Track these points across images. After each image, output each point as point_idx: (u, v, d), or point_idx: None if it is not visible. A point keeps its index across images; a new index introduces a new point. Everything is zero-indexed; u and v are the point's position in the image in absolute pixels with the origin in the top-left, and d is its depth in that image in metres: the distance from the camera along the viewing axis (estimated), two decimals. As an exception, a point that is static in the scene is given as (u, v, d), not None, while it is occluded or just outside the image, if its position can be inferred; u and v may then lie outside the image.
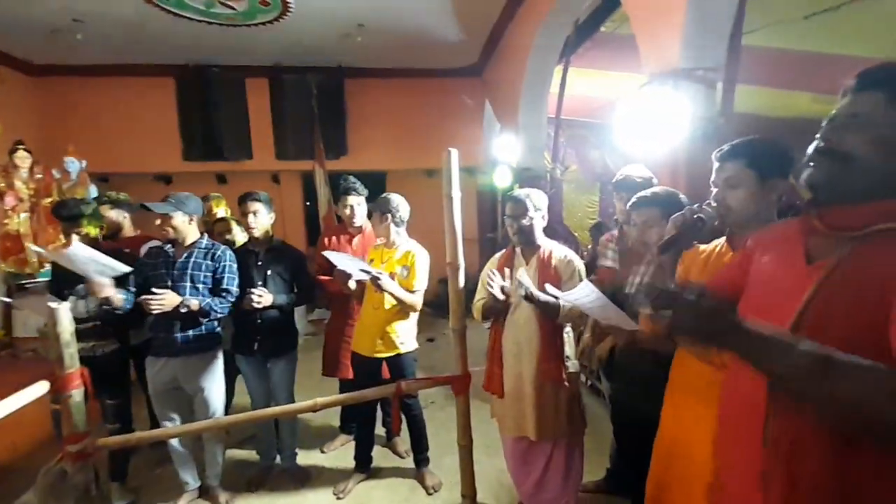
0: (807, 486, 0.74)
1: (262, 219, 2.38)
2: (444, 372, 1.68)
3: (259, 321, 2.32)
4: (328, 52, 5.15)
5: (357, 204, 2.66)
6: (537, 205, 1.93)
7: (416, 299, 2.29)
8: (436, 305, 5.13)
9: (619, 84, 4.29)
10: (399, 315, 2.32)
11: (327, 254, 2.18)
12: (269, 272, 2.36)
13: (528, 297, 1.80)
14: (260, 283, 2.30)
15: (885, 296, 0.68)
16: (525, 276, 1.85)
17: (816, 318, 0.74)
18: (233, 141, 5.58)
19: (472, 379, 1.75)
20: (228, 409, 2.63)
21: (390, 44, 4.93)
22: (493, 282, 1.86)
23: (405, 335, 2.36)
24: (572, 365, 1.93)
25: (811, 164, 0.81)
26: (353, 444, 2.60)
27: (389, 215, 2.31)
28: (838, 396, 0.65)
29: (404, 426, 2.55)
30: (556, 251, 1.95)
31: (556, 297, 1.69)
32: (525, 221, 1.91)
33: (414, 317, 2.40)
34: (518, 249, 2.01)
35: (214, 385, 2.24)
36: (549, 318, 1.83)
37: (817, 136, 0.82)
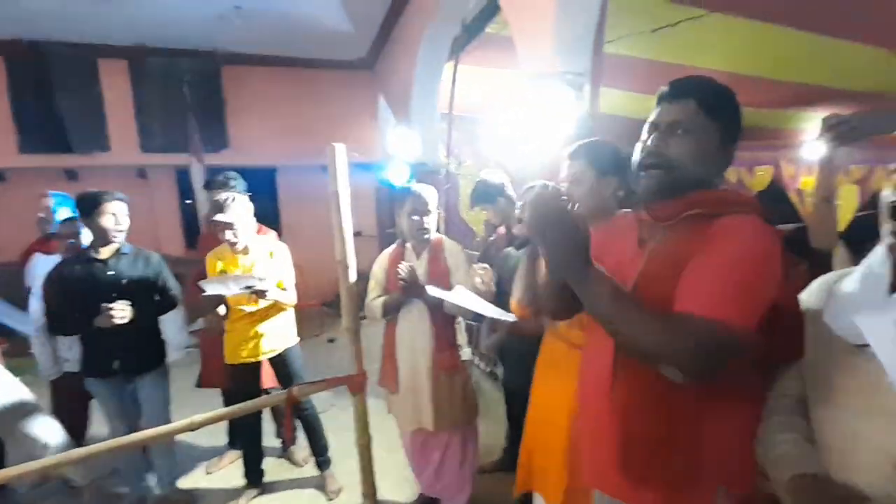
0: (638, 436, 0.89)
1: (126, 221, 2.09)
2: (346, 373, 1.63)
3: (117, 336, 1.98)
4: (202, 35, 4.68)
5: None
6: (434, 200, 1.96)
7: (293, 296, 2.25)
8: (336, 305, 4.97)
9: (505, 82, 4.50)
10: (275, 310, 2.23)
11: (204, 284, 1.97)
12: (123, 281, 2.06)
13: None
14: (115, 294, 1.99)
15: (685, 263, 0.84)
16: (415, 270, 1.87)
17: (643, 286, 0.90)
18: (83, 130, 4.80)
19: (367, 377, 1.72)
20: (82, 440, 2.28)
21: (273, 30, 4.63)
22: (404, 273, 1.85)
23: (286, 329, 2.30)
24: (464, 353, 2.00)
25: (643, 174, 0.93)
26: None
27: (240, 218, 2.13)
28: (614, 323, 0.84)
29: (301, 430, 2.42)
30: (446, 244, 1.99)
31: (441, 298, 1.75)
32: (429, 217, 1.93)
33: (291, 310, 2.33)
34: (409, 245, 2.01)
35: None
36: (436, 308, 1.87)
37: (643, 142, 0.93)
